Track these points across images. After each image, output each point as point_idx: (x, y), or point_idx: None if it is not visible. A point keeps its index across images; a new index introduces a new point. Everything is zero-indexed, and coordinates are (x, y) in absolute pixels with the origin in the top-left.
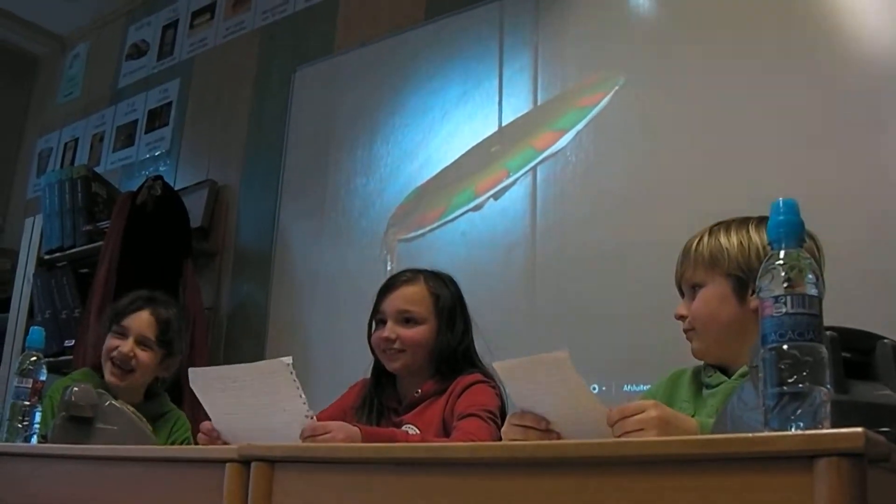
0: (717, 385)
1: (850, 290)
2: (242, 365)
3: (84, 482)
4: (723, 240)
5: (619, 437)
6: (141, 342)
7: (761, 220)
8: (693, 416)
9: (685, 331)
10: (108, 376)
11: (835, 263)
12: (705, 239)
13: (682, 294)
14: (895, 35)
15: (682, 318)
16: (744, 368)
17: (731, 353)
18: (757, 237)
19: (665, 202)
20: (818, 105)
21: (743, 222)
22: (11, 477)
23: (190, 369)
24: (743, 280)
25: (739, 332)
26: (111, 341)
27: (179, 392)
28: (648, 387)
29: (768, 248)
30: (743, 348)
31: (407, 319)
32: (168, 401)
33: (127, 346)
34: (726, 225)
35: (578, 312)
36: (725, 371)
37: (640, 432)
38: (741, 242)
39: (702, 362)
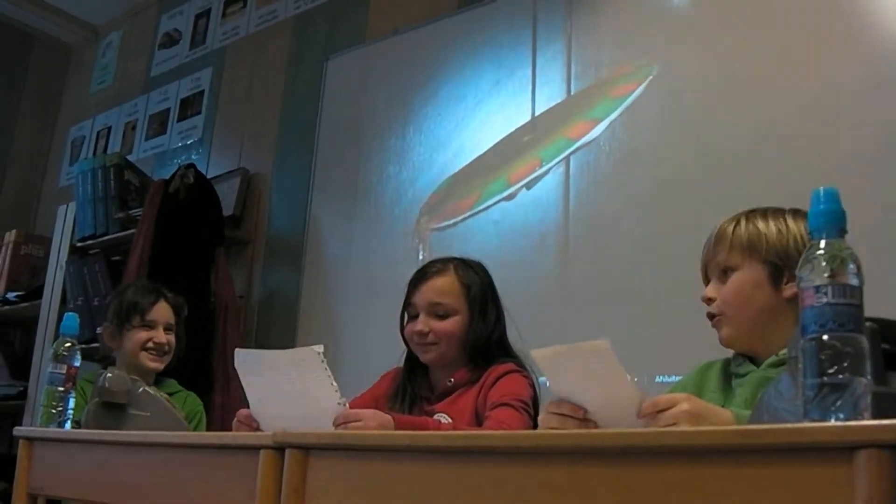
0: (746, 374)
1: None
2: (277, 351)
3: (118, 468)
4: (761, 225)
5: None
6: (167, 328)
7: (796, 212)
8: (723, 405)
9: (711, 316)
10: (147, 363)
11: (874, 252)
12: (742, 223)
13: (706, 279)
14: None
15: (709, 301)
16: (773, 358)
17: (761, 341)
18: (794, 226)
19: (699, 192)
20: (860, 91)
21: (778, 211)
22: (46, 462)
23: (236, 350)
24: (779, 267)
25: (771, 320)
26: (141, 334)
27: (209, 378)
28: (679, 378)
29: (807, 237)
30: (773, 336)
31: (439, 311)
32: (176, 384)
33: (162, 335)
34: (762, 212)
35: (611, 302)
36: (754, 360)
37: (672, 427)
38: (780, 230)
39: (730, 354)
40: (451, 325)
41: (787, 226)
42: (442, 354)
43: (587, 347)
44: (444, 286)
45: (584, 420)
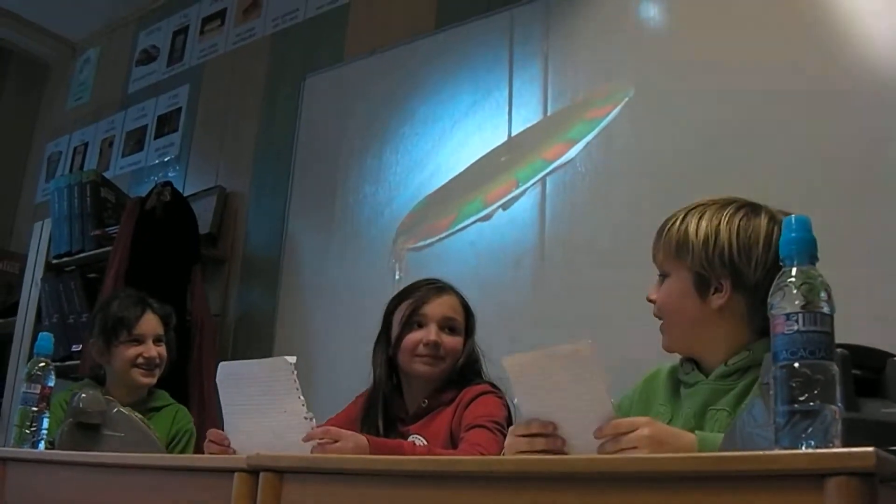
0: (694, 384)
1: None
2: (254, 360)
3: (91, 489)
4: (691, 229)
5: (611, 454)
6: (157, 340)
7: (740, 209)
8: (671, 418)
9: (658, 319)
10: (139, 379)
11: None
12: (677, 224)
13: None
14: None
15: (652, 301)
16: (721, 368)
17: (698, 349)
18: (726, 233)
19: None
20: (828, 110)
21: (721, 209)
22: (19, 482)
23: (221, 363)
24: (705, 277)
25: (702, 330)
26: (130, 350)
27: (185, 395)
28: (622, 397)
29: (739, 244)
30: (710, 345)
31: (451, 326)
32: (167, 396)
33: (152, 349)
34: (702, 209)
35: (587, 323)
36: (700, 366)
37: (632, 450)
38: (707, 238)
39: (678, 361)
40: (458, 343)
41: (717, 233)
42: (443, 370)
43: (567, 352)
44: (455, 304)
45: (554, 436)
